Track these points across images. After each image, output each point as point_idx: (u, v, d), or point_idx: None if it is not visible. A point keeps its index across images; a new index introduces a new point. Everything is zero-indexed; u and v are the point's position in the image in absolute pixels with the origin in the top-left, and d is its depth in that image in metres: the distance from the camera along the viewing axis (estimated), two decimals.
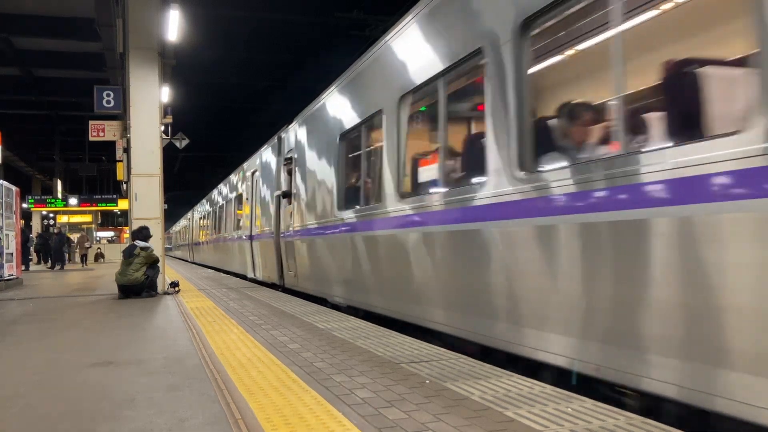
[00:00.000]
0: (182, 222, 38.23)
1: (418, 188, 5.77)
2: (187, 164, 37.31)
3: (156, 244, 9.85)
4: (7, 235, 13.09)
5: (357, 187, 7.47)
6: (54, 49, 17.08)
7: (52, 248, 24.10)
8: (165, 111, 12.46)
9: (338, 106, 8.02)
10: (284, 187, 10.62)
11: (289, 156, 10.53)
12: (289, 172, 10.38)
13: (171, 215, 39.76)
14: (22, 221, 17.28)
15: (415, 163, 5.97)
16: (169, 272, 13.65)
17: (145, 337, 5.70)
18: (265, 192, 12.69)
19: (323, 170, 8.45)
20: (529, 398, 3.10)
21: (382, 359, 4.18)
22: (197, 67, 19.39)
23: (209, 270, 20.09)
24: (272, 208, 11.56)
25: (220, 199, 20.61)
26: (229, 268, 17.87)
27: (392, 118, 6.00)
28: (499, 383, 3.43)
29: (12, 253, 13.58)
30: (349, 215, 7.32)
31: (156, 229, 9.99)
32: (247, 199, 14.76)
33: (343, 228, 7.47)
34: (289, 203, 10.31)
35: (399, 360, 4.14)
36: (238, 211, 16.53)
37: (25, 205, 28.82)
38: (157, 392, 3.46)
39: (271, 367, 4.00)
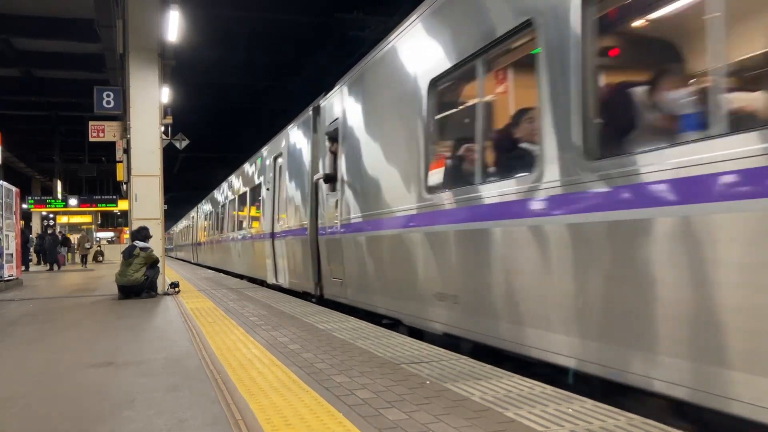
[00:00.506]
0: (185, 221, 36.57)
1: (643, 141, 3.28)
2: (187, 164, 37.29)
3: (156, 244, 9.85)
4: (7, 235, 13.09)
5: (466, 156, 5.06)
6: (54, 50, 17.08)
7: (46, 249, 24.12)
8: (165, 111, 12.47)
9: (425, 41, 5.52)
10: (326, 170, 8.40)
11: (332, 129, 8.17)
12: (334, 150, 8.14)
13: (171, 216, 39.77)
14: (22, 222, 17.29)
15: (626, 100, 3.59)
16: (169, 273, 13.64)
17: (145, 337, 5.69)
18: (293, 179, 10.31)
19: (395, 138, 6.13)
20: (530, 399, 3.10)
21: (382, 360, 4.18)
22: (197, 68, 19.39)
23: (209, 271, 20.04)
24: (305, 199, 9.35)
25: (230, 193, 18.12)
26: (240, 271, 15.73)
27: (561, 29, 3.66)
28: (499, 384, 3.43)
29: (12, 254, 13.58)
30: (451, 198, 4.96)
31: (156, 229, 9.99)
32: (267, 189, 12.30)
33: (441, 218, 5.08)
34: (333, 190, 8.06)
35: (399, 360, 4.14)
36: (255, 205, 14.25)
37: (24, 206, 28.84)
38: (157, 393, 3.46)
39: (272, 368, 4.00)
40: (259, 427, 2.75)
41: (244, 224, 15.65)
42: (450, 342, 5.04)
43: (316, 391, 3.37)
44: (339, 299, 7.90)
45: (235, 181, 17.54)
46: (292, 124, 10.69)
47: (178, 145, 16.03)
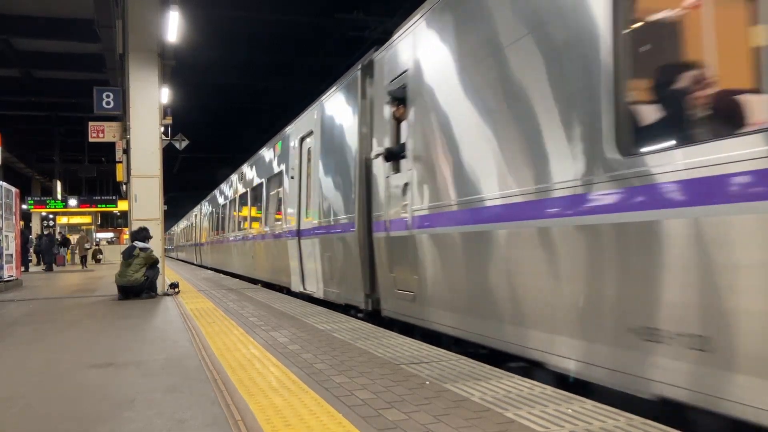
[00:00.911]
0: (188, 219, 35.01)
1: None
2: (187, 165, 37.35)
3: (156, 245, 9.85)
4: (6, 236, 13.09)
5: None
6: (54, 50, 17.12)
7: (42, 249, 24.07)
8: (165, 112, 12.49)
9: None
10: (386, 144, 6.34)
11: (397, 86, 6.08)
12: (399, 116, 6.12)
13: (171, 216, 39.75)
14: (22, 222, 17.30)
15: None
16: (169, 274, 13.64)
17: (144, 338, 5.69)
18: (330, 162, 8.19)
19: (531, 75, 3.98)
20: (529, 399, 3.10)
21: (382, 360, 4.18)
22: (197, 68, 19.42)
23: (208, 272, 19.99)
24: (349, 185, 7.26)
25: (241, 186, 16.17)
26: (254, 275, 13.93)
27: None
28: (499, 384, 3.43)
29: (12, 255, 13.58)
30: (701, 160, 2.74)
31: (156, 230, 9.99)
32: (292, 178, 10.26)
33: (659, 196, 2.97)
34: (397, 170, 6.07)
35: (399, 361, 4.14)
36: (272, 199, 12.35)
37: (24, 207, 28.85)
38: (157, 393, 3.46)
39: (271, 369, 4.00)
40: (259, 427, 2.75)
41: (259, 221, 13.56)
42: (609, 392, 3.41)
43: (316, 391, 3.37)
44: (407, 319, 5.84)
45: (248, 172, 15.46)
46: (326, 94, 8.59)
47: (177, 145, 16.06)
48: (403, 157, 5.92)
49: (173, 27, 10.75)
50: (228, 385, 3.56)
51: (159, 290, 9.88)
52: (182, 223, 40.00)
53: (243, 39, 19.26)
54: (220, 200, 20.58)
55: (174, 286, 10.21)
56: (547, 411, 2.88)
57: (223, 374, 3.87)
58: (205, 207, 25.63)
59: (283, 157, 11.19)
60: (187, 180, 43.79)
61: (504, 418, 2.79)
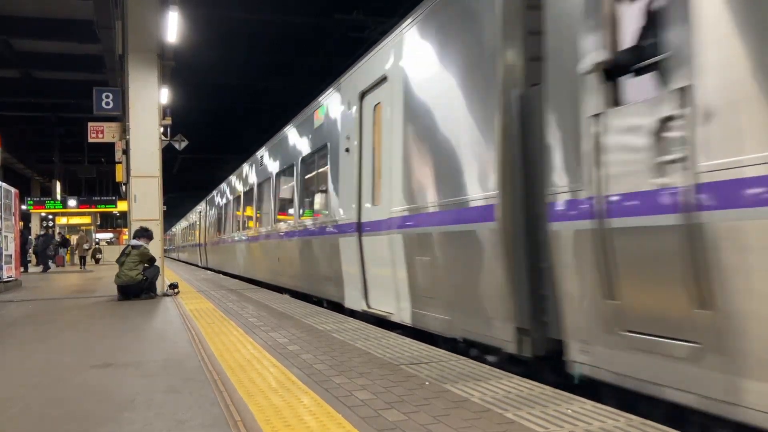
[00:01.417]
0: (192, 216, 32.16)
1: None
2: (187, 165, 37.36)
3: (155, 245, 9.85)
4: (6, 237, 13.08)
5: None
6: (53, 51, 17.11)
7: (37, 250, 23.93)
8: (164, 112, 12.48)
9: None
10: (579, 58, 3.43)
11: None
12: None
13: (170, 216, 39.69)
14: (21, 223, 17.28)
15: None
16: (168, 274, 13.64)
17: (144, 338, 5.69)
18: (426, 118, 5.35)
19: None
20: (529, 400, 3.10)
21: (381, 361, 4.18)
22: (197, 69, 19.43)
23: (208, 272, 19.92)
24: (475, 145, 4.54)
25: (261, 173, 13.23)
26: (282, 283, 11.18)
27: None
28: (499, 385, 3.43)
29: (11, 255, 13.58)
30: None
31: (155, 230, 9.99)
32: (346, 150, 7.51)
33: None
34: (615, 103, 3.22)
35: (399, 361, 4.14)
36: (313, 183, 9.52)
37: (24, 207, 28.83)
38: (157, 394, 3.46)
39: (271, 369, 4.00)
40: (259, 428, 2.75)
41: (291, 213, 10.79)
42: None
43: (316, 392, 3.37)
44: (662, 391, 2.94)
45: (272, 154, 12.48)
46: (411, 18, 5.77)
47: (177, 145, 16.07)
48: (653, 68, 3.03)
49: (173, 27, 10.75)
50: (227, 386, 3.56)
51: (158, 291, 9.88)
52: (184, 222, 38.62)
53: (243, 39, 19.29)
54: (233, 192, 17.37)
55: (173, 286, 10.21)
56: (547, 411, 2.88)
57: (223, 375, 3.87)
58: (212, 202, 22.24)
59: (329, 126, 8.45)
60: (187, 180, 43.81)
61: (504, 419, 2.78)
